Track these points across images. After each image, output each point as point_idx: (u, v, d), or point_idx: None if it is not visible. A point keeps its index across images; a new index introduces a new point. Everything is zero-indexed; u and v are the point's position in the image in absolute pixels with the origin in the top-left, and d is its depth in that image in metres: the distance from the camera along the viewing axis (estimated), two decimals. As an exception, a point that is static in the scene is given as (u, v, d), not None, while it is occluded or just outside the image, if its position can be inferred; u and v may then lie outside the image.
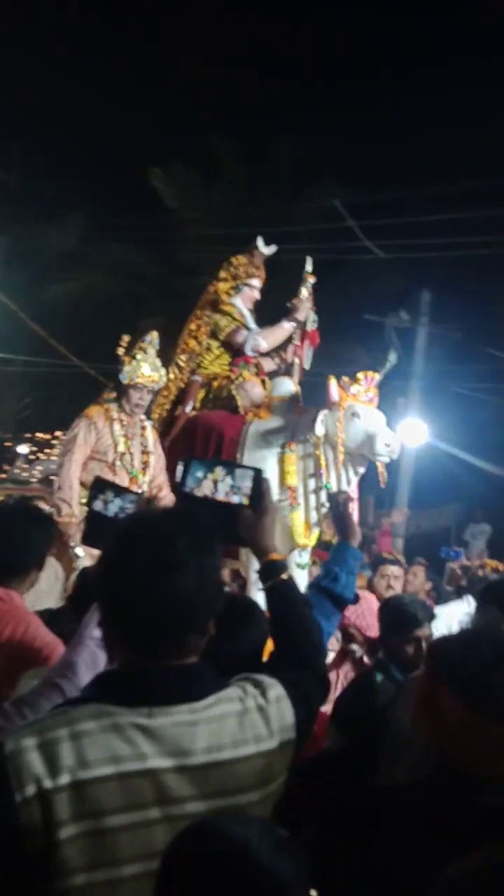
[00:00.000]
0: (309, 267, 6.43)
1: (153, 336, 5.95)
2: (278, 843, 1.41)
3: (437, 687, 1.76)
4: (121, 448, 5.73)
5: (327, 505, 5.59)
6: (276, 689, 1.84)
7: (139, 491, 5.54)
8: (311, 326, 6.28)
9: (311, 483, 5.63)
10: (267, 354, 6.41)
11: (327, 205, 19.10)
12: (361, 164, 20.24)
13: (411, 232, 18.91)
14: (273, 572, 2.17)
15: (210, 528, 1.81)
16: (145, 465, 5.82)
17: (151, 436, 5.92)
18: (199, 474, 2.25)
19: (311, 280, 6.42)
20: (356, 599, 2.82)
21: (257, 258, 6.36)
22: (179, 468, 2.28)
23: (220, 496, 2.20)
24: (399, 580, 6.05)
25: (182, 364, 6.23)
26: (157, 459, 5.89)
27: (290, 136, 20.20)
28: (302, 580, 5.76)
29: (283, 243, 21.12)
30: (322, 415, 5.55)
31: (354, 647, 4.71)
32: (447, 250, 18.66)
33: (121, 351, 5.88)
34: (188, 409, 6.16)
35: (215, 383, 6.16)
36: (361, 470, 5.59)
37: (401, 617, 3.57)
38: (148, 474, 5.82)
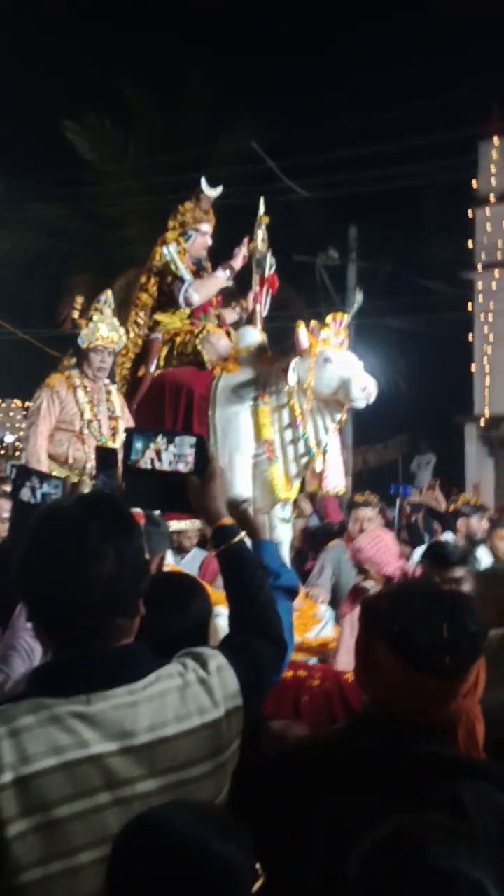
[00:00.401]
0: (262, 208, 6.07)
1: (107, 295, 5.66)
2: (222, 826, 1.42)
3: (372, 641, 1.77)
4: (87, 415, 5.47)
5: (307, 456, 5.38)
6: (216, 660, 1.84)
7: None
8: (270, 271, 5.94)
9: (288, 434, 5.35)
10: (227, 304, 6.12)
11: (245, 147, 18.69)
12: (277, 104, 19.78)
13: (332, 168, 18.62)
14: (225, 537, 2.15)
15: (123, 511, 1.80)
16: (114, 430, 5.54)
17: (118, 400, 5.65)
18: (140, 445, 2.21)
19: (266, 221, 6.05)
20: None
21: (204, 202, 6.05)
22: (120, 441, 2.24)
23: (165, 466, 2.17)
24: (373, 521, 5.92)
25: (141, 322, 5.89)
26: (126, 424, 5.61)
27: (203, 81, 19.55)
28: (286, 534, 5.61)
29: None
30: (294, 363, 5.26)
31: (370, 583, 4.53)
32: (369, 183, 18.42)
33: (75, 314, 5.60)
34: (152, 368, 5.81)
35: (178, 339, 5.81)
36: (339, 416, 5.36)
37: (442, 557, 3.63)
38: (118, 441, 5.48)
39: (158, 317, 5.89)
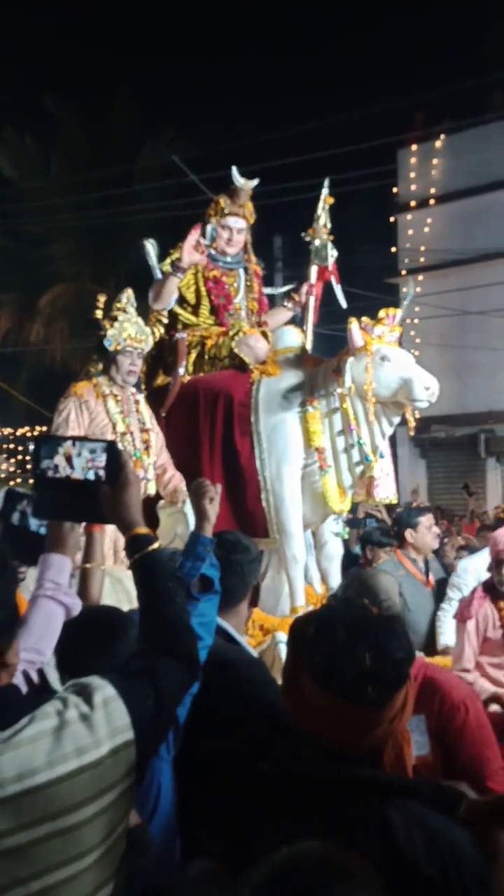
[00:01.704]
0: (326, 189, 5.37)
1: (128, 294, 4.89)
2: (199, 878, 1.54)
3: (297, 669, 1.71)
4: (120, 427, 4.70)
5: (363, 464, 4.76)
6: (103, 691, 1.66)
7: (146, 475, 4.69)
8: (330, 260, 5.25)
9: (341, 441, 4.77)
10: (277, 303, 5.45)
11: (168, 161, 17.93)
12: (199, 119, 19.09)
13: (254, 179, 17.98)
14: (138, 547, 2.01)
15: None
16: (146, 444, 4.80)
17: (146, 410, 4.90)
18: (48, 452, 2.06)
19: (330, 202, 5.35)
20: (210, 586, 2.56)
21: (239, 195, 5.27)
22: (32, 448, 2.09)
23: (77, 473, 2.03)
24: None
25: (164, 321, 5.15)
26: (157, 436, 4.90)
27: (127, 95, 18.72)
28: (338, 550, 5.04)
29: (128, 204, 19.72)
30: (349, 363, 4.64)
31: None
32: (292, 193, 17.87)
33: (98, 314, 4.81)
34: (181, 372, 5.08)
35: (209, 342, 5.10)
36: (396, 420, 4.78)
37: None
38: (151, 455, 4.80)
39: (177, 309, 5.20)
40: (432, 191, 17.33)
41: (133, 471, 2.05)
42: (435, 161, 17.24)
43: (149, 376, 5.17)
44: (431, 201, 17.32)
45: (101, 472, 2.03)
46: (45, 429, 19.92)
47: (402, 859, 1.46)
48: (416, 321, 17.04)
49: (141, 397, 4.91)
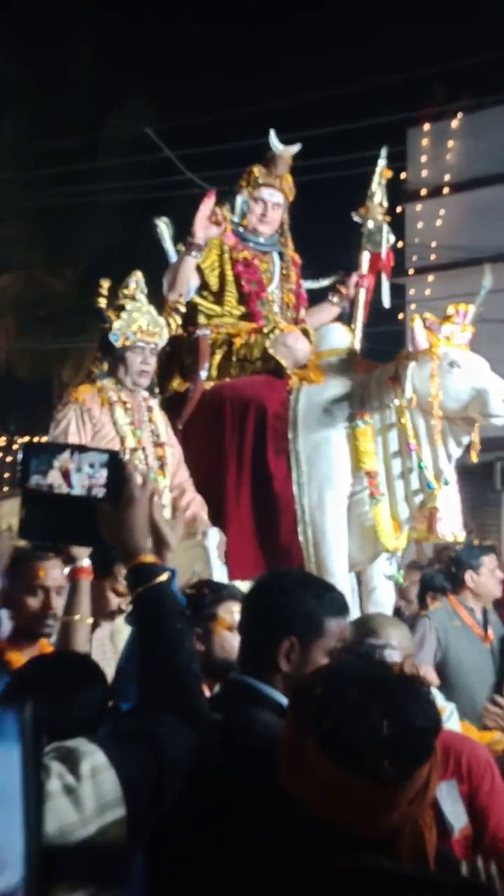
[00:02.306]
0: (383, 160, 5.23)
1: (138, 278, 4.70)
2: None
3: (301, 736, 1.65)
4: (130, 442, 4.52)
5: (423, 492, 4.64)
6: (92, 759, 1.65)
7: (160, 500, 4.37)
8: (385, 246, 5.10)
9: (397, 464, 4.65)
10: (328, 291, 5.39)
11: (139, 134, 17.82)
12: (176, 86, 18.94)
13: (239, 158, 17.86)
14: (142, 578, 1.98)
15: None
16: (161, 462, 4.63)
17: (161, 419, 4.73)
18: (39, 464, 2.01)
19: (388, 177, 5.22)
20: None
21: (278, 164, 5.13)
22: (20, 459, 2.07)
23: (76, 490, 1.99)
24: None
25: (182, 309, 4.95)
26: (174, 452, 4.74)
27: (91, 57, 18.55)
28: (389, 597, 4.90)
29: (90, 182, 19.54)
30: (410, 370, 4.52)
31: None
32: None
33: (102, 302, 4.63)
34: (203, 375, 4.91)
35: (237, 341, 4.93)
36: (466, 439, 4.65)
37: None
38: (167, 474, 4.63)
39: (195, 299, 5.07)
40: (447, 178, 17.33)
41: (139, 486, 2.02)
42: (451, 143, 17.26)
43: (162, 380, 5.00)
44: (445, 190, 17.32)
45: (102, 488, 2.01)
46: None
47: None
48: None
49: (155, 403, 4.75)
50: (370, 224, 5.26)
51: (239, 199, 5.11)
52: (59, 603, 3.28)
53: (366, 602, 4.80)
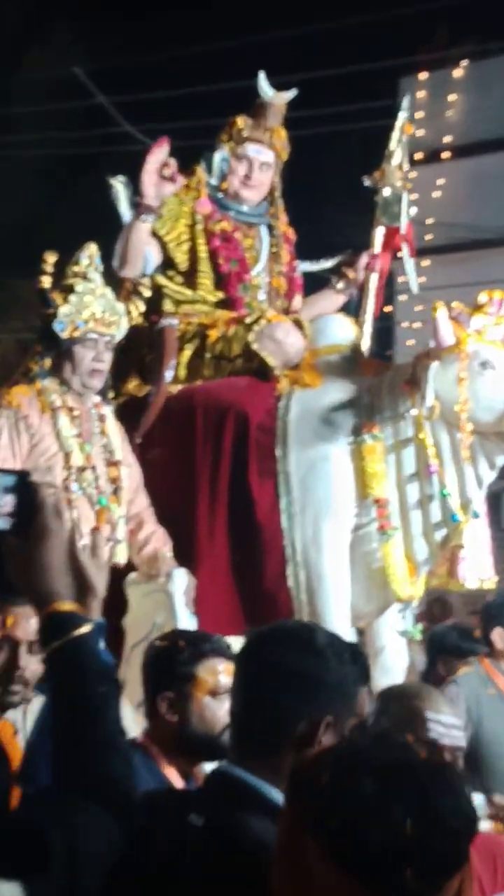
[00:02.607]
0: (404, 113, 5.27)
1: (91, 251, 4.70)
2: None
3: (300, 835, 1.63)
4: (77, 459, 4.53)
5: (448, 524, 4.66)
6: None
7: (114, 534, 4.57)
8: (404, 220, 5.14)
9: (414, 490, 4.68)
10: (332, 273, 5.42)
11: (65, 75, 17.93)
12: (111, 16, 19.03)
13: (192, 108, 18.03)
14: (57, 630, 1.96)
15: None
16: (116, 485, 4.62)
17: (116, 431, 4.74)
18: None
19: (410, 133, 5.28)
20: None
21: (267, 114, 5.17)
22: None
23: None
24: None
25: (146, 293, 5.02)
26: (131, 472, 4.73)
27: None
28: (402, 658, 4.90)
29: (3, 132, 19.63)
30: (431, 370, 4.53)
31: None
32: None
33: (46, 282, 4.61)
34: (168, 376, 4.90)
35: (212, 332, 4.92)
36: (501, 460, 4.69)
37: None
38: (122, 500, 4.62)
39: (160, 280, 5.09)
40: (447, 139, 17.58)
41: (55, 515, 2.03)
42: (452, 97, 17.49)
43: (116, 381, 4.99)
44: (445, 154, 17.55)
45: (7, 519, 2.03)
46: None
47: None
48: (414, 325, 17.13)
49: (108, 411, 4.76)
50: (386, 192, 5.28)
51: (218, 157, 5.14)
52: (29, 663, 3.17)
53: (372, 664, 4.77)
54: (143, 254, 4.93)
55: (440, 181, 17.59)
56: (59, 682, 1.97)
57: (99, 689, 1.95)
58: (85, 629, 1.97)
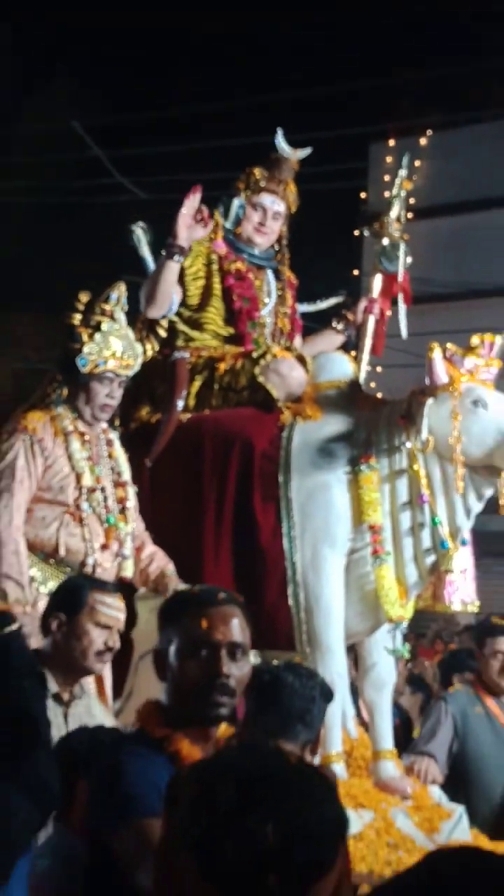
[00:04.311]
0: (404, 170, 5.24)
1: (120, 292, 4.60)
2: None
3: (172, 847, 1.57)
4: (87, 481, 4.43)
5: (437, 551, 4.56)
6: None
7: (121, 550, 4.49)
8: (401, 268, 5.10)
9: (407, 518, 4.58)
10: (331, 317, 5.38)
11: (63, 129, 17.89)
12: (109, 76, 18.97)
13: (178, 163, 18.01)
14: None
15: None
16: (122, 504, 4.54)
17: (122, 456, 4.66)
18: None
19: (408, 188, 5.22)
20: None
21: (282, 168, 5.13)
22: None
23: None
24: None
25: (163, 333, 4.93)
26: (134, 495, 4.65)
27: (10, 39, 18.57)
28: (390, 673, 4.83)
29: (3, 180, 19.42)
30: (427, 407, 4.48)
31: None
32: (220, 189, 17.89)
33: (76, 318, 4.51)
34: (179, 406, 4.82)
35: (221, 366, 4.85)
36: (489, 492, 4.60)
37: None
38: (129, 518, 4.55)
39: (171, 317, 5.02)
40: (412, 201, 17.46)
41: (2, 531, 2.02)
42: (419, 163, 17.47)
43: (129, 408, 4.91)
44: (410, 214, 17.47)
45: None
46: None
47: None
48: (378, 369, 17.07)
49: (115, 437, 4.67)
50: (385, 241, 5.25)
51: (236, 203, 5.07)
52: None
53: (363, 680, 4.72)
54: (172, 294, 4.86)
55: (406, 238, 17.64)
56: None
57: (24, 684, 2.01)
58: (12, 627, 2.03)
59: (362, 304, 5.27)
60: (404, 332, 5.30)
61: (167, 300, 4.83)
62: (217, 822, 1.48)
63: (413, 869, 1.50)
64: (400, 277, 5.28)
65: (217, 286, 4.98)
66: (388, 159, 17.69)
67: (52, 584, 4.21)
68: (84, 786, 2.52)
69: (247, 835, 1.45)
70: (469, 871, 1.57)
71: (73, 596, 3.52)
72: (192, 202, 4.77)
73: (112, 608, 3.62)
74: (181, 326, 4.97)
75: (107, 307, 4.51)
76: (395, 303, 5.31)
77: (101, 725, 3.20)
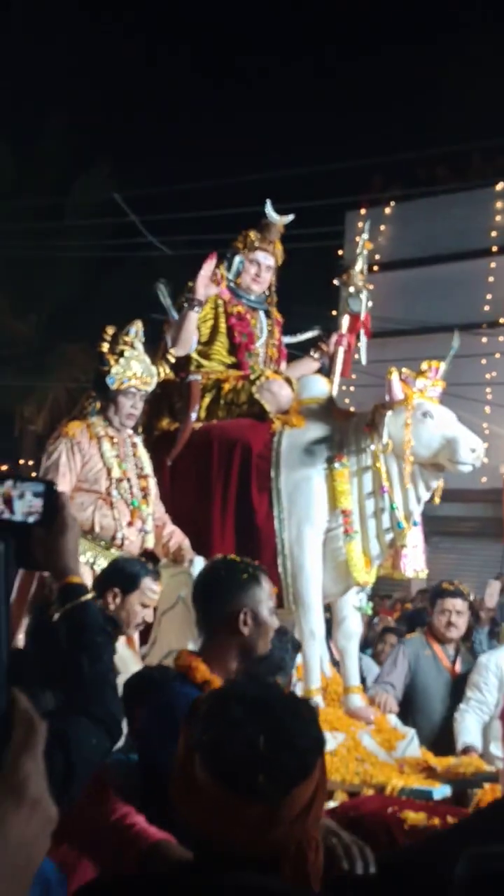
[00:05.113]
0: (366, 234, 5.13)
1: (138, 327, 4.53)
2: None
3: (189, 751, 1.54)
4: (116, 473, 4.36)
5: (393, 531, 4.47)
6: None
7: (144, 527, 4.36)
8: (364, 310, 5.01)
9: (371, 504, 4.46)
10: (308, 347, 5.25)
11: (106, 198, 17.68)
12: (141, 155, 18.88)
13: (197, 227, 17.89)
14: (69, 596, 2.00)
15: None
16: (145, 492, 4.45)
17: (145, 455, 4.57)
18: None
19: (369, 248, 5.13)
20: None
21: (270, 231, 5.01)
22: None
23: (17, 517, 1.91)
24: (463, 616, 4.96)
25: (172, 360, 4.78)
26: (154, 484, 4.54)
27: (63, 124, 18.45)
28: (357, 626, 4.77)
29: (57, 239, 19.25)
30: (386, 418, 4.39)
31: None
32: (223, 246, 17.78)
33: (104, 347, 4.44)
34: (193, 417, 4.71)
35: (226, 385, 4.76)
36: (434, 484, 4.51)
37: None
38: (150, 504, 4.46)
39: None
40: (377, 257, 17.43)
41: (72, 515, 2.02)
42: (383, 227, 17.44)
43: (152, 419, 4.81)
44: (375, 268, 17.41)
45: (37, 515, 1.96)
46: None
47: None
48: (351, 388, 16.99)
49: (138, 440, 4.58)
50: (351, 289, 5.13)
51: (236, 259, 4.96)
52: None
53: (336, 631, 4.65)
54: (193, 335, 4.79)
55: (371, 286, 17.51)
56: (69, 632, 1.98)
57: (98, 639, 1.97)
58: (88, 596, 2.00)
59: (333, 337, 5.12)
60: (364, 359, 5.19)
61: (190, 341, 4.76)
62: (222, 731, 1.48)
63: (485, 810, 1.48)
64: (362, 317, 5.15)
65: (222, 325, 4.88)
66: (360, 224, 17.64)
67: (89, 555, 4.16)
68: (140, 713, 2.56)
69: (244, 742, 1.45)
70: None
71: (131, 579, 3.48)
72: (209, 266, 4.74)
73: (156, 593, 3.59)
74: (194, 356, 4.86)
75: (127, 338, 4.43)
76: (359, 337, 5.20)
77: (159, 665, 3.28)
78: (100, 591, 3.45)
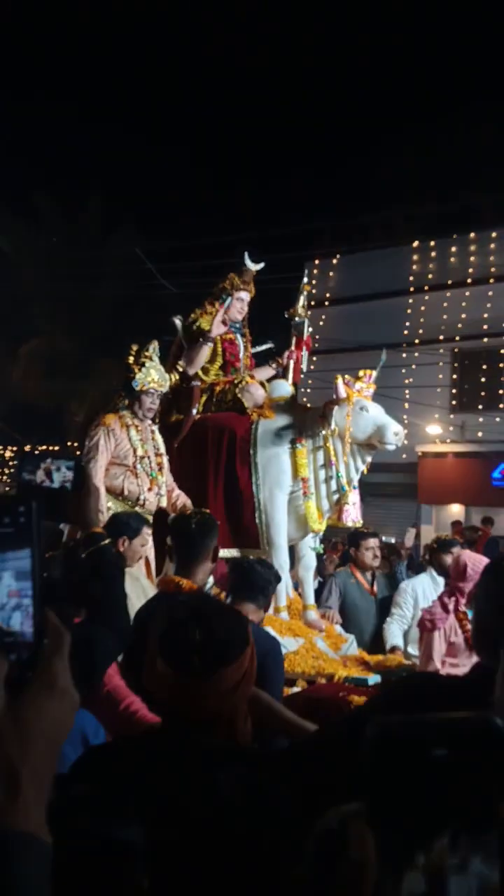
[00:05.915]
0: (305, 279, 5.07)
1: (154, 345, 4.45)
2: None
3: (153, 645, 1.49)
4: (140, 452, 4.27)
5: (339, 493, 4.44)
6: None
7: (159, 491, 4.27)
8: (307, 333, 4.97)
9: (322, 473, 4.43)
10: (264, 363, 5.08)
11: (131, 251, 17.48)
12: (157, 219, 18.67)
13: (201, 271, 17.68)
14: (92, 541, 2.01)
15: None
16: (160, 466, 4.37)
17: (160, 439, 4.47)
18: (31, 466, 1.94)
19: (307, 290, 5.07)
20: None
21: (246, 274, 4.92)
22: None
23: (56, 484, 1.91)
24: (378, 549, 4.99)
25: (181, 370, 4.71)
26: (166, 461, 4.46)
27: (100, 195, 18.25)
28: (313, 562, 4.70)
29: (96, 281, 18.83)
30: (334, 411, 4.36)
31: None
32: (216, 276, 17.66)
33: (130, 359, 4.36)
34: (194, 412, 4.65)
35: (217, 388, 4.72)
36: (368, 458, 4.47)
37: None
38: (164, 475, 4.39)
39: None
40: (328, 295, 17.42)
41: (93, 484, 2.06)
42: (331, 273, 17.37)
43: (164, 414, 4.70)
44: (326, 303, 17.40)
45: (70, 483, 1.96)
46: (16, 449, 18.97)
47: (220, 813, 1.25)
48: (308, 391, 16.96)
49: (155, 428, 4.48)
50: (297, 319, 5.06)
51: (228, 298, 4.85)
52: None
53: (297, 565, 4.61)
54: (203, 361, 4.73)
55: (323, 317, 17.48)
56: (93, 567, 1.97)
57: (112, 571, 1.97)
58: (107, 541, 2.02)
59: (286, 353, 5.04)
60: (304, 367, 5.11)
61: (202, 364, 4.71)
62: (172, 626, 1.46)
63: (392, 687, 1.42)
64: (304, 338, 5.06)
65: (219, 348, 4.80)
66: (315, 272, 17.57)
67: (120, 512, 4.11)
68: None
69: (185, 635, 1.44)
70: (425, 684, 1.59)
71: (133, 529, 3.42)
72: (222, 314, 4.70)
73: (149, 536, 3.54)
74: (199, 371, 4.79)
75: (147, 353, 4.34)
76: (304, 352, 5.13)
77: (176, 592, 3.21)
78: (113, 538, 3.41)
